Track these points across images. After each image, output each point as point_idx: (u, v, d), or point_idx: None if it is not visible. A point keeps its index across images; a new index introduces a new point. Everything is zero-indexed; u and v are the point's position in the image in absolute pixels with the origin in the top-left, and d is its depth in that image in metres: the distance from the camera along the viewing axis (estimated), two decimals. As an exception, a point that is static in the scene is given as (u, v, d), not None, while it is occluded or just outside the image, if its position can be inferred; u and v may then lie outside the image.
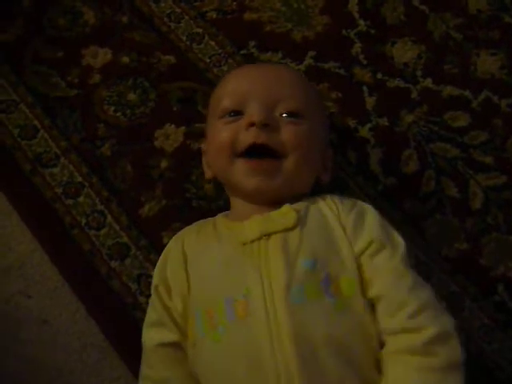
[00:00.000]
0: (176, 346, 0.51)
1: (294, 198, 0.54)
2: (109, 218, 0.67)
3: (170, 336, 0.51)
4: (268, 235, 0.50)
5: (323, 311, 0.45)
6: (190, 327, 0.50)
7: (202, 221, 0.59)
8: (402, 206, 0.67)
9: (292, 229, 0.50)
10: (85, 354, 0.61)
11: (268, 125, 0.53)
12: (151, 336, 0.52)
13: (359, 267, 0.48)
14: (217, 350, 0.47)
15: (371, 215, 0.52)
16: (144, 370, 0.52)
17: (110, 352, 0.61)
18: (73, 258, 0.65)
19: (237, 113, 0.56)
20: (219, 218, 0.58)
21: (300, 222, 0.51)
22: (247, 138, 0.53)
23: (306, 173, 0.56)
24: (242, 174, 0.54)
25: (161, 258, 0.56)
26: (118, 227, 0.66)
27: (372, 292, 0.47)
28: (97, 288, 0.63)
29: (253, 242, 0.50)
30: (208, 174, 0.62)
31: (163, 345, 0.51)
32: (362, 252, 0.49)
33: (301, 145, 0.54)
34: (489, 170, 0.69)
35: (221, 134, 0.55)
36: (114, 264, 0.64)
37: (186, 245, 0.55)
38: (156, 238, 0.65)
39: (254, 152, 0.53)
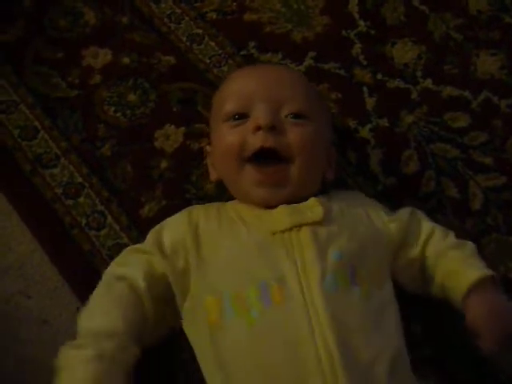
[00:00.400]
0: (138, 288, 0.51)
1: (306, 197, 0.55)
2: (109, 218, 0.67)
3: (137, 282, 0.51)
4: (299, 226, 0.51)
5: (352, 299, 0.48)
6: (211, 310, 0.49)
7: (213, 203, 0.59)
8: (401, 207, 0.67)
9: (320, 222, 0.52)
10: (85, 355, 0.61)
11: (275, 127, 0.54)
12: (113, 270, 0.54)
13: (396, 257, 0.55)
14: (251, 333, 0.47)
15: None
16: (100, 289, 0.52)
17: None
18: (73, 259, 0.65)
19: (241, 116, 0.56)
20: (236, 204, 0.57)
21: (326, 215, 0.53)
22: (255, 141, 0.54)
23: (313, 174, 0.57)
24: (250, 183, 0.55)
25: (159, 225, 0.56)
26: (118, 228, 0.67)
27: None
28: (97, 288, 0.63)
29: (283, 232, 0.51)
30: (213, 176, 0.62)
31: (126, 279, 0.51)
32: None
33: (307, 146, 0.55)
34: (488, 171, 0.69)
35: (227, 138, 0.55)
36: (113, 264, 0.64)
37: (203, 221, 0.54)
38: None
39: (262, 156, 0.54)
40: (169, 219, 0.57)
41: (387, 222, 0.56)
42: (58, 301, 0.64)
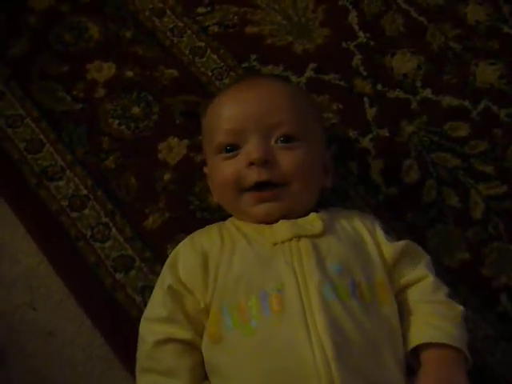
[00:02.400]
0: (185, 342, 0.51)
1: (305, 212, 0.56)
2: (113, 230, 0.68)
3: (183, 333, 0.51)
4: (298, 237, 0.52)
5: (352, 310, 0.48)
6: (212, 324, 0.51)
7: (213, 224, 0.60)
8: (403, 216, 0.68)
9: (319, 236, 0.53)
10: (90, 366, 0.62)
11: (267, 161, 0.55)
12: (155, 330, 0.52)
13: (391, 277, 0.53)
14: (250, 343, 0.48)
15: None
16: (145, 362, 0.52)
17: (116, 364, 0.61)
18: (78, 271, 0.66)
19: (233, 147, 0.57)
20: (236, 220, 0.58)
21: (327, 229, 0.54)
22: (250, 177, 0.55)
23: (310, 191, 0.58)
24: (249, 204, 0.56)
25: (170, 258, 0.56)
26: (122, 239, 0.67)
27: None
28: (102, 300, 0.64)
29: (283, 242, 0.52)
30: (215, 199, 0.63)
31: (171, 340, 0.51)
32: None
33: (301, 171, 0.56)
34: (489, 180, 0.70)
35: (223, 171, 0.57)
36: (118, 276, 0.65)
37: (208, 245, 0.55)
38: (160, 250, 0.66)
39: (259, 185, 0.55)
40: (178, 252, 0.56)
41: (383, 244, 0.55)
42: (64, 313, 0.64)
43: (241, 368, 0.48)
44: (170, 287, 0.53)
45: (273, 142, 0.56)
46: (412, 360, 0.50)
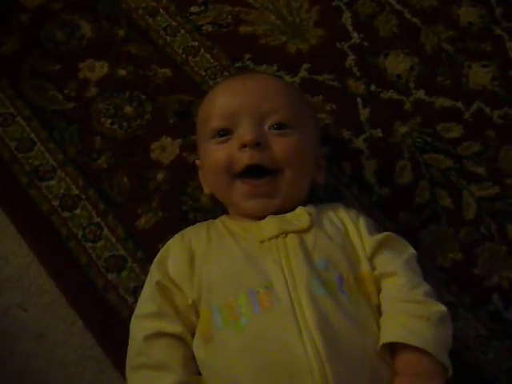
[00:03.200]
0: (176, 336, 0.51)
1: (295, 206, 0.56)
2: (105, 230, 0.67)
3: (173, 327, 0.51)
4: (285, 234, 0.52)
5: (341, 304, 0.48)
6: (203, 323, 0.51)
7: (203, 222, 0.60)
8: (396, 217, 0.68)
9: (307, 230, 0.53)
10: (81, 367, 0.61)
11: (260, 143, 0.55)
12: (145, 326, 0.52)
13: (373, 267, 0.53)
14: (241, 340, 0.48)
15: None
16: (136, 359, 0.51)
17: (107, 365, 0.61)
18: (69, 271, 0.65)
19: (226, 131, 0.57)
20: (224, 219, 0.59)
21: (314, 224, 0.54)
22: (241, 159, 0.55)
23: (303, 182, 0.58)
24: (241, 196, 0.56)
25: (159, 255, 0.56)
26: (114, 239, 0.67)
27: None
28: (93, 301, 0.63)
29: (270, 239, 0.52)
30: (207, 190, 0.63)
31: (162, 334, 0.51)
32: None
33: (293, 157, 0.56)
34: (482, 181, 0.70)
35: (214, 155, 0.57)
36: (110, 276, 0.64)
37: (195, 243, 0.55)
38: (152, 251, 0.65)
39: (250, 170, 0.55)
40: (169, 249, 0.56)
41: (364, 237, 0.55)
42: (55, 314, 0.64)
43: (232, 365, 0.47)
44: (158, 283, 0.53)
45: (266, 128, 0.56)
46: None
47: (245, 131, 0.55)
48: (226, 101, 0.58)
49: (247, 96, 0.57)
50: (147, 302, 0.53)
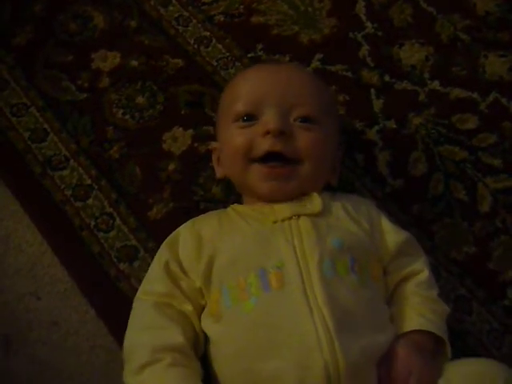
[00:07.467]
0: (184, 314, 0.51)
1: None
2: (117, 220, 0.68)
3: (183, 305, 0.52)
4: (298, 216, 0.53)
5: (350, 285, 0.49)
6: (212, 303, 0.51)
7: (215, 211, 0.60)
8: (409, 209, 0.67)
9: (319, 215, 0.54)
10: (94, 356, 0.62)
11: (284, 132, 0.55)
12: (154, 298, 0.52)
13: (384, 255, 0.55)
14: (249, 318, 0.48)
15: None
16: (143, 318, 0.51)
17: (119, 354, 0.60)
18: (82, 260, 0.66)
19: (250, 117, 0.57)
20: (236, 206, 0.59)
21: (326, 209, 0.55)
22: (263, 145, 0.55)
23: (319, 178, 0.58)
24: (257, 178, 0.56)
25: (169, 237, 0.57)
26: (126, 229, 0.67)
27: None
28: (106, 290, 0.64)
29: (283, 221, 0.53)
30: (219, 173, 0.63)
31: (172, 306, 0.51)
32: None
33: (315, 152, 0.56)
34: (497, 173, 0.69)
35: (236, 139, 0.57)
36: (122, 266, 0.65)
37: (205, 230, 0.55)
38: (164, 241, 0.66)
39: (269, 158, 0.55)
40: (179, 233, 0.57)
41: (387, 233, 0.56)
42: (68, 302, 0.64)
43: (240, 342, 0.48)
44: (166, 264, 0.53)
45: (291, 119, 0.56)
46: None
47: (270, 119, 0.55)
48: (254, 87, 0.58)
49: (276, 85, 0.57)
50: (157, 281, 0.53)
